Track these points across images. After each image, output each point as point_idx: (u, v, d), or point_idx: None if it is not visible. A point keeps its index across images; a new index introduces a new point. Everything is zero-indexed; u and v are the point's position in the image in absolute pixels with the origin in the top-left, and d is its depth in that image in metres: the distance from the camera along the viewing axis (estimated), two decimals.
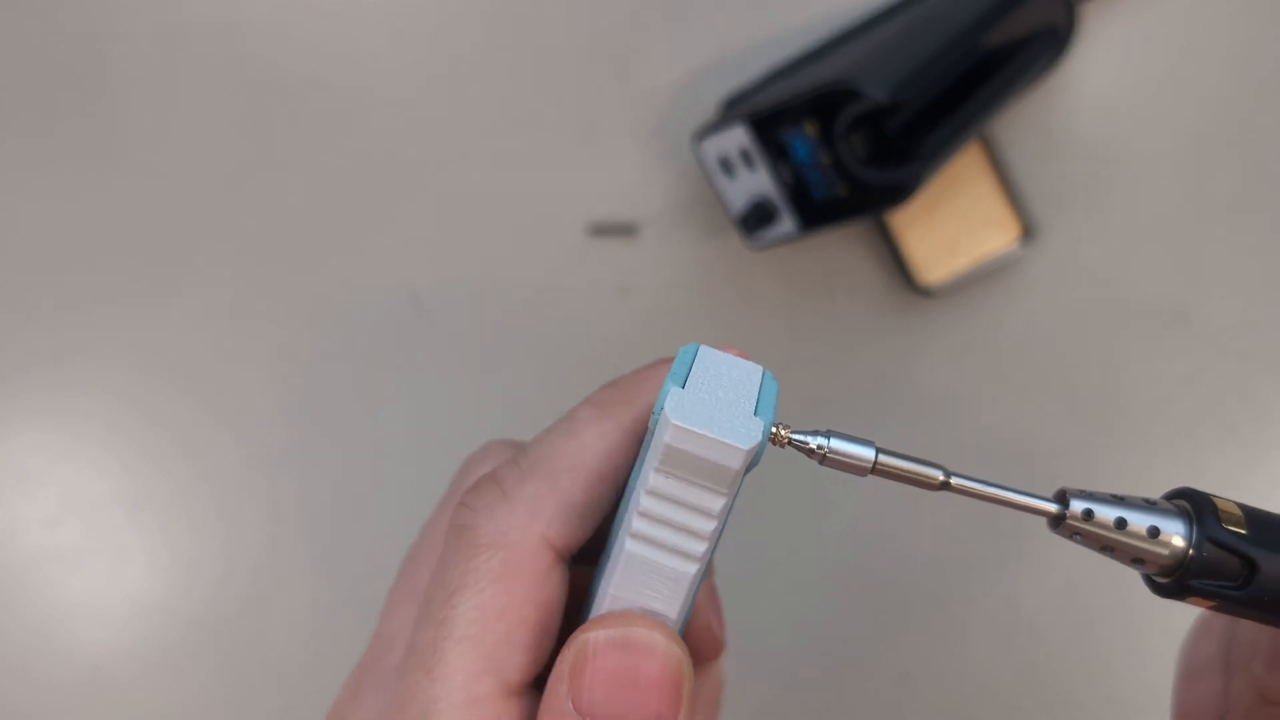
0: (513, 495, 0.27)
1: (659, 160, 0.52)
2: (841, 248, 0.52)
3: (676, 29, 0.51)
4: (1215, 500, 0.25)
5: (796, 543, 0.53)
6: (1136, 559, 0.25)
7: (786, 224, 0.47)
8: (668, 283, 0.52)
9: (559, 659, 0.26)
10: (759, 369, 0.26)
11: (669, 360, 0.27)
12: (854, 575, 0.53)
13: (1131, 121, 0.52)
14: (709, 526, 0.25)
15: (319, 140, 0.52)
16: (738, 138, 0.46)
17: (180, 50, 0.52)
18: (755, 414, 0.24)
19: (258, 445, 0.53)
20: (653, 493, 0.25)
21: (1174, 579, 0.25)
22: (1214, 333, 0.52)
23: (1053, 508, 0.25)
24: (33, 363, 0.52)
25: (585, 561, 0.30)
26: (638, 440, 0.28)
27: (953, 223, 0.51)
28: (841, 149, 0.44)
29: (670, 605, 0.26)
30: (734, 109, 0.49)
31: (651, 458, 0.24)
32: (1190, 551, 0.25)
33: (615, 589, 0.26)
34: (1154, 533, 0.25)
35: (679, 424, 0.24)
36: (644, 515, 0.25)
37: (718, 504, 0.25)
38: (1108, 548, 0.25)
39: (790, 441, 0.25)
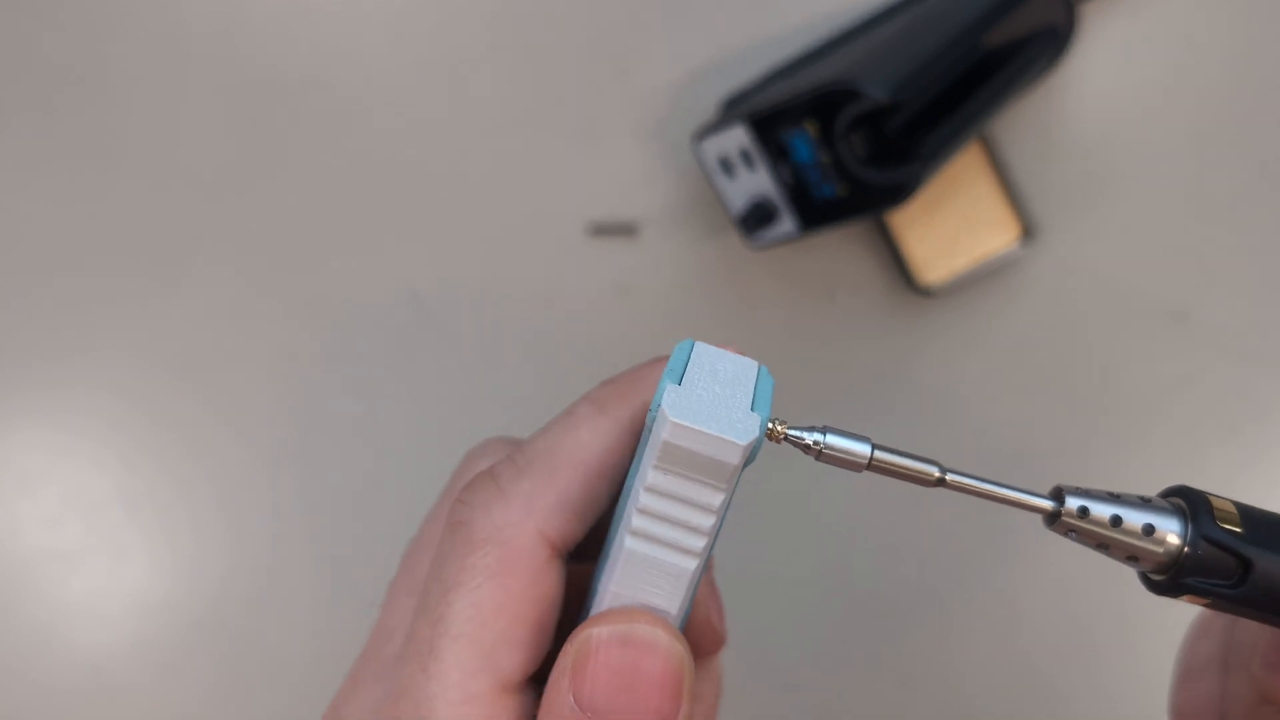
0: (509, 491, 0.27)
1: (659, 160, 0.52)
2: (841, 248, 0.52)
3: (676, 29, 0.51)
4: (1211, 498, 0.25)
5: (793, 544, 0.53)
6: (1131, 556, 0.25)
7: (786, 224, 0.47)
8: (668, 283, 0.53)
9: (561, 654, 0.26)
10: (754, 364, 0.26)
11: (666, 358, 0.27)
12: (850, 575, 0.53)
13: (1131, 121, 0.52)
14: (708, 522, 0.25)
15: (319, 140, 0.52)
16: (738, 138, 0.46)
17: (181, 50, 0.52)
18: (752, 409, 0.24)
19: (258, 444, 0.53)
20: (651, 489, 0.25)
21: (1169, 577, 0.25)
22: (1214, 333, 0.52)
23: (1048, 505, 0.25)
24: (33, 361, 0.52)
25: (585, 558, 0.30)
26: (635, 437, 0.28)
27: (953, 223, 0.51)
28: (841, 149, 0.44)
29: (671, 601, 0.26)
30: (734, 109, 0.49)
31: (650, 455, 0.25)
32: (1185, 549, 0.25)
33: (616, 586, 0.26)
34: (1149, 530, 0.25)
35: (677, 421, 0.24)
36: (643, 512, 0.25)
37: (716, 499, 0.25)
38: (1103, 545, 0.25)
39: (786, 437, 0.25)
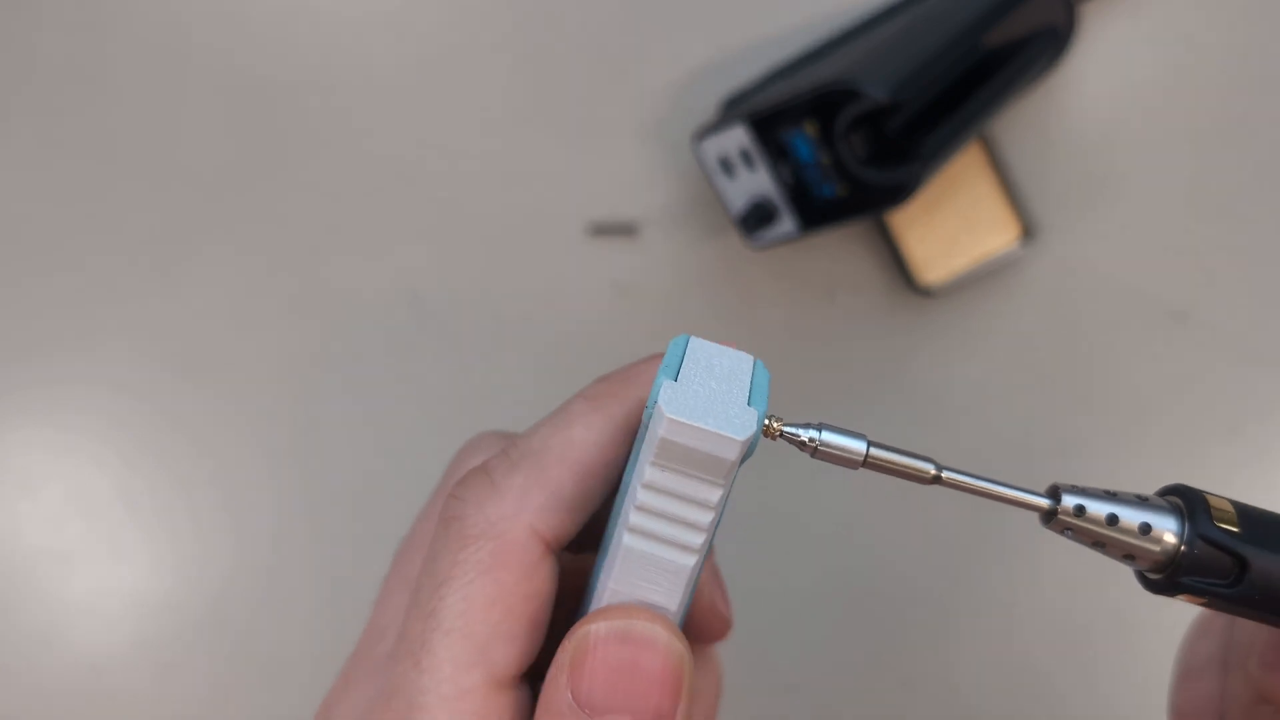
0: (502, 486, 0.27)
1: (659, 160, 0.52)
2: (841, 248, 0.52)
3: (676, 29, 0.51)
4: (1208, 497, 0.25)
5: (791, 544, 0.53)
6: (1128, 555, 0.25)
7: (786, 224, 0.47)
8: (668, 283, 0.53)
9: (560, 650, 0.26)
10: (750, 358, 0.26)
11: (662, 354, 0.27)
12: (849, 575, 0.53)
13: (1131, 121, 0.52)
14: (706, 518, 0.25)
15: (319, 140, 0.52)
16: (738, 138, 0.46)
17: (181, 50, 0.52)
18: (749, 403, 0.24)
19: (259, 444, 0.53)
20: (649, 486, 0.25)
21: (1165, 576, 0.25)
22: (1214, 333, 0.52)
23: (1044, 503, 0.25)
24: (33, 359, 0.52)
25: (584, 549, 0.30)
26: (630, 433, 0.28)
27: (953, 223, 0.51)
28: (841, 149, 0.44)
29: (670, 598, 0.26)
30: (734, 109, 0.49)
31: (646, 451, 0.24)
32: (1182, 549, 0.25)
33: (614, 583, 0.26)
34: (1145, 529, 0.25)
35: (673, 417, 0.24)
36: (641, 509, 0.25)
37: (714, 495, 0.25)
38: (1099, 544, 0.25)
39: (782, 434, 0.25)
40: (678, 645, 0.26)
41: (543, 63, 0.52)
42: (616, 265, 0.52)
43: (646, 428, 0.25)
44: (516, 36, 0.52)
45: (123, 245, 0.52)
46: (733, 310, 0.53)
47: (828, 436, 0.25)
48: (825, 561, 0.53)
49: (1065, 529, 0.25)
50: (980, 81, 0.47)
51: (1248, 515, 0.25)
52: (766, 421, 0.25)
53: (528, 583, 0.27)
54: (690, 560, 0.26)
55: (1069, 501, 0.25)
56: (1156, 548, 0.25)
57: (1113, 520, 0.25)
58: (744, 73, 0.51)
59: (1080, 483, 0.26)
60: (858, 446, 0.25)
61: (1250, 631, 0.32)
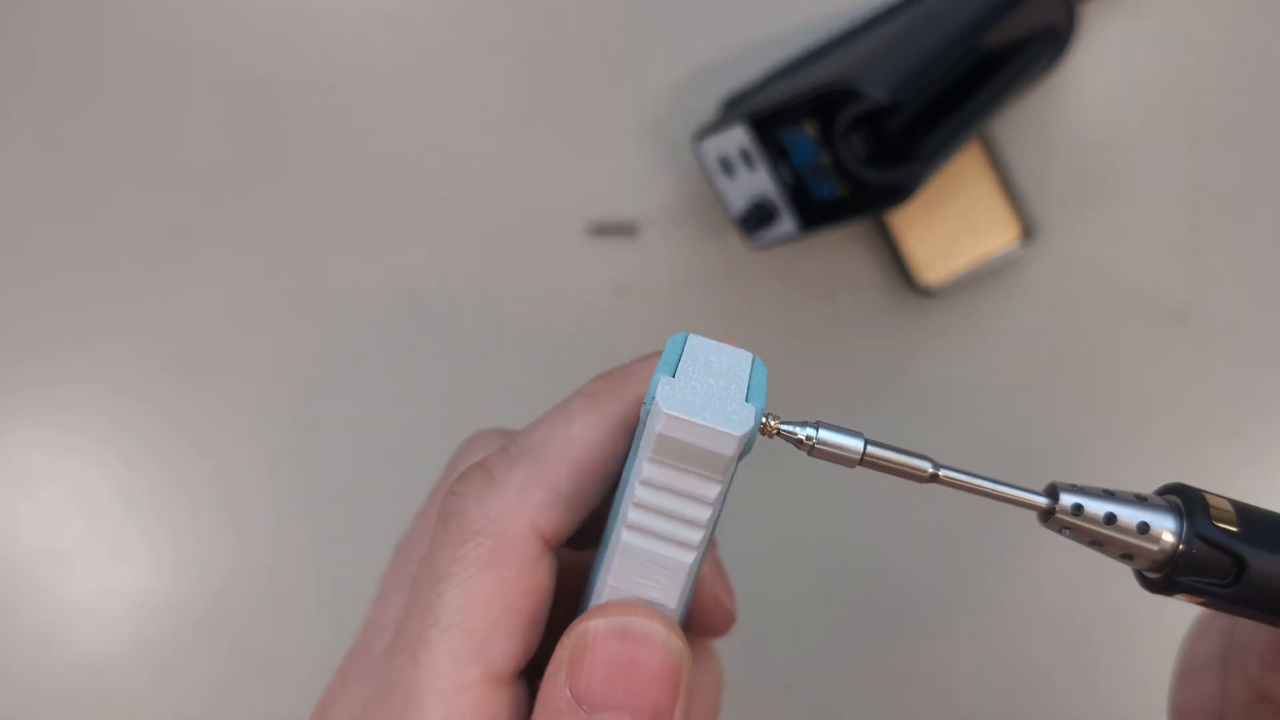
0: (502, 482, 0.27)
1: (659, 160, 0.52)
2: (841, 248, 0.52)
3: (676, 29, 0.51)
4: (1207, 496, 0.25)
5: (790, 544, 0.53)
6: (1126, 554, 0.25)
7: (786, 224, 0.47)
8: (668, 283, 0.53)
9: (558, 646, 0.26)
10: (748, 355, 0.26)
11: (660, 352, 0.27)
12: (848, 575, 0.53)
13: (1131, 121, 0.52)
14: (705, 515, 0.25)
15: (319, 140, 0.52)
16: (738, 138, 0.46)
17: (181, 50, 0.52)
18: (747, 400, 0.24)
19: (259, 444, 0.53)
20: (647, 483, 0.25)
21: (1164, 575, 0.25)
22: (1214, 333, 0.52)
23: (1042, 501, 0.25)
24: (33, 359, 0.53)
25: (584, 545, 0.30)
26: (629, 430, 0.28)
27: (953, 223, 0.51)
28: (841, 149, 0.44)
29: (669, 595, 0.26)
30: (734, 109, 0.49)
31: (645, 448, 0.24)
32: (1180, 548, 0.25)
33: (613, 580, 0.26)
34: (1144, 528, 0.25)
35: (671, 413, 0.24)
36: (639, 506, 0.25)
37: (713, 491, 0.25)
38: (1097, 543, 0.25)
39: (779, 432, 0.25)
40: (676, 642, 0.26)
41: (543, 63, 0.52)
42: (616, 265, 0.52)
43: (645, 424, 0.25)
44: (516, 36, 0.52)
45: (123, 245, 0.52)
46: (732, 310, 0.53)
47: (825, 434, 0.25)
48: (824, 561, 0.53)
49: (1063, 528, 0.25)
50: (980, 81, 0.47)
51: (1247, 515, 0.25)
52: (764, 420, 0.25)
53: (527, 579, 0.27)
54: (689, 557, 0.26)
55: (1067, 500, 0.25)
56: (1155, 547, 0.25)
57: (1111, 519, 0.25)
58: (744, 73, 0.51)
59: (1080, 482, 0.26)
60: (854, 445, 0.25)
61: (1250, 631, 0.32)
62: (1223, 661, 0.34)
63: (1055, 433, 0.53)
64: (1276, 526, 0.25)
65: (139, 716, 0.53)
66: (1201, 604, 0.25)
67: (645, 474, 0.25)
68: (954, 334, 0.52)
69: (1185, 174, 0.52)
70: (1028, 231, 0.51)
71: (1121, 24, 0.51)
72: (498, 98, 0.52)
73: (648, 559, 0.26)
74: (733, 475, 0.25)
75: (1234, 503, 0.25)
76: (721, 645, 0.34)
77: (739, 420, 0.24)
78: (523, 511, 0.27)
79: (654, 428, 0.24)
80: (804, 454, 0.25)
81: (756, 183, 0.47)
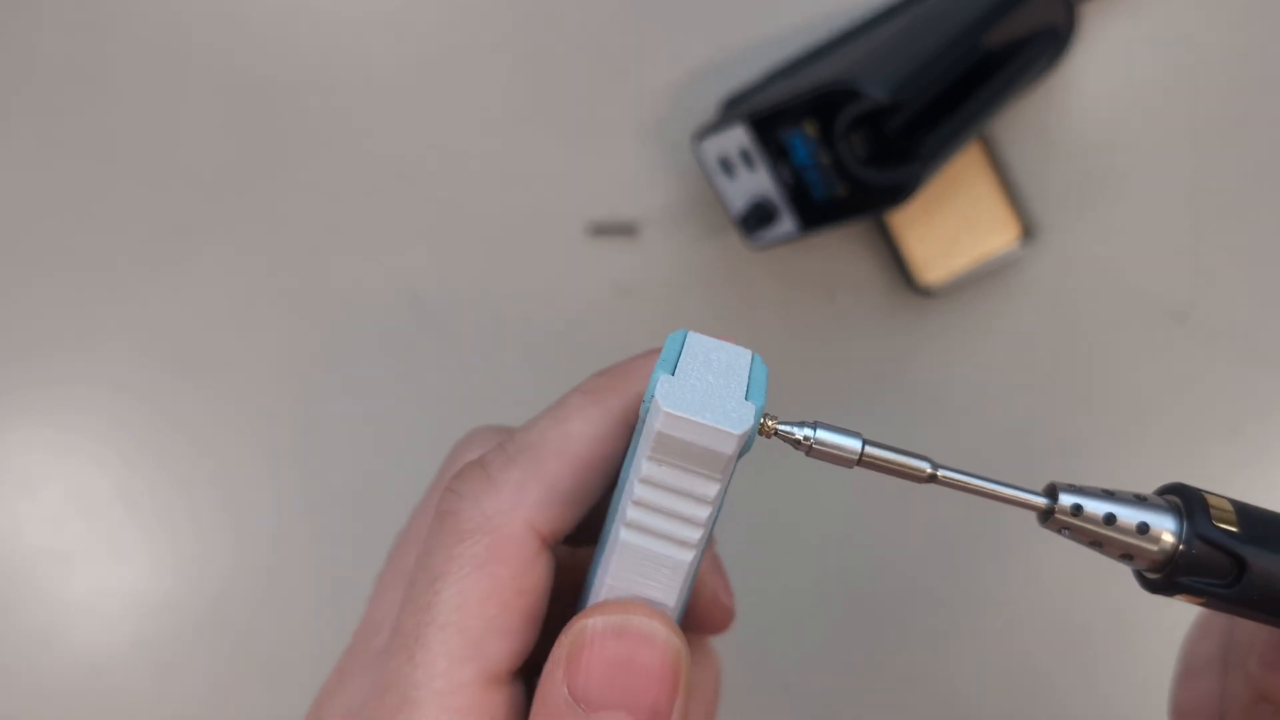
0: (498, 480, 0.27)
1: (659, 160, 0.52)
2: (841, 248, 0.52)
3: (676, 29, 0.51)
4: (1207, 496, 0.25)
5: (790, 544, 0.53)
6: (1126, 554, 0.25)
7: (786, 224, 0.47)
8: (668, 283, 0.52)
9: (556, 644, 0.26)
10: (748, 353, 0.26)
11: (659, 349, 0.27)
12: (847, 576, 0.53)
13: (1131, 121, 0.52)
14: (704, 513, 0.25)
15: (319, 140, 0.52)
16: (738, 138, 0.46)
17: (181, 50, 0.52)
18: (746, 398, 0.24)
19: (259, 444, 0.53)
20: (646, 481, 0.25)
21: (1163, 575, 0.25)
22: (1214, 333, 0.52)
23: (1041, 502, 0.25)
24: (33, 358, 0.53)
25: (582, 542, 0.30)
26: (627, 428, 0.28)
27: (953, 223, 0.50)
28: (841, 149, 0.44)
29: (668, 593, 0.26)
30: (734, 109, 0.49)
31: (644, 446, 0.24)
32: (1180, 548, 0.24)
33: (612, 578, 0.26)
34: (1143, 528, 0.25)
35: (670, 411, 0.23)
36: (638, 504, 0.25)
37: (712, 490, 0.25)
38: (1096, 543, 0.25)
39: (777, 433, 0.25)
40: (675, 640, 0.26)
41: (543, 63, 0.52)
42: (616, 265, 0.52)
43: (644, 422, 0.24)
44: (516, 36, 0.52)
45: (123, 245, 0.52)
46: (732, 310, 0.53)
47: (822, 435, 0.25)
48: (824, 562, 0.53)
49: (1062, 528, 0.25)
50: (980, 81, 0.47)
51: (1247, 515, 0.25)
52: (762, 420, 0.25)
53: (523, 577, 0.27)
54: (687, 555, 0.26)
55: (1066, 500, 0.25)
56: (1154, 547, 0.25)
57: (1110, 519, 0.25)
58: (744, 73, 0.51)
59: (1079, 482, 0.26)
60: (853, 445, 0.25)
61: (1250, 631, 0.32)
62: (1223, 661, 0.34)
63: (1055, 433, 0.53)
64: (1277, 526, 0.25)
65: (139, 716, 0.53)
66: (1201, 604, 0.25)
67: (644, 472, 0.24)
68: (954, 334, 0.52)
69: (1185, 174, 0.52)
70: (1028, 231, 0.51)
71: (1121, 24, 0.51)
72: (498, 98, 0.52)
73: (646, 557, 0.26)
74: (732, 473, 0.25)
75: (1234, 503, 0.25)
76: (721, 645, 0.34)
77: (739, 418, 0.24)
78: (519, 510, 0.27)
79: (653, 426, 0.24)
80: (803, 455, 0.25)
81: (756, 183, 0.47)
